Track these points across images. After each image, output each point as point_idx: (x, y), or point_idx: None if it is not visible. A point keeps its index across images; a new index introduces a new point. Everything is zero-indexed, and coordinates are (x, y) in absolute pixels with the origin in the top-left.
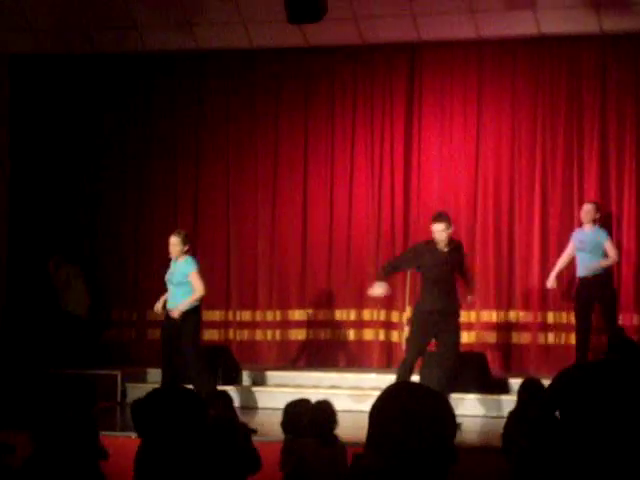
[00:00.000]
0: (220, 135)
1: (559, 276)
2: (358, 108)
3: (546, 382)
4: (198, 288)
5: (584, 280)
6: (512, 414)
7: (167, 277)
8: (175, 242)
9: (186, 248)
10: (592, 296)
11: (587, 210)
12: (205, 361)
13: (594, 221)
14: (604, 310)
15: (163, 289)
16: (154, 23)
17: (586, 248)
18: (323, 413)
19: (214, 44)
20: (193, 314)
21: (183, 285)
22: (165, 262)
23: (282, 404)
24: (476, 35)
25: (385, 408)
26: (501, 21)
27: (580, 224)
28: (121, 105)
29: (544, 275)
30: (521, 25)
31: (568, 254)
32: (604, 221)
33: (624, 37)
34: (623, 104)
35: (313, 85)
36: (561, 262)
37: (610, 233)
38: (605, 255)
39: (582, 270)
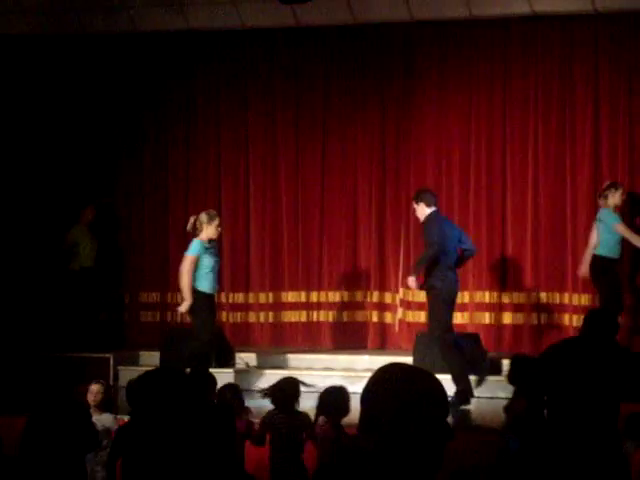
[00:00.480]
0: (211, 115)
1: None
2: (351, 87)
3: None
4: (183, 270)
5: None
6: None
7: (215, 261)
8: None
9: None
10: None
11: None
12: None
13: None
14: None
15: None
16: (144, 3)
17: (600, 225)
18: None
19: (205, 24)
20: (197, 294)
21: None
22: (153, 244)
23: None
24: (469, 14)
25: (377, 390)
26: (494, 0)
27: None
28: (111, 86)
29: (536, 256)
30: (514, 4)
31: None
32: None
33: (617, 16)
34: (616, 83)
35: (305, 65)
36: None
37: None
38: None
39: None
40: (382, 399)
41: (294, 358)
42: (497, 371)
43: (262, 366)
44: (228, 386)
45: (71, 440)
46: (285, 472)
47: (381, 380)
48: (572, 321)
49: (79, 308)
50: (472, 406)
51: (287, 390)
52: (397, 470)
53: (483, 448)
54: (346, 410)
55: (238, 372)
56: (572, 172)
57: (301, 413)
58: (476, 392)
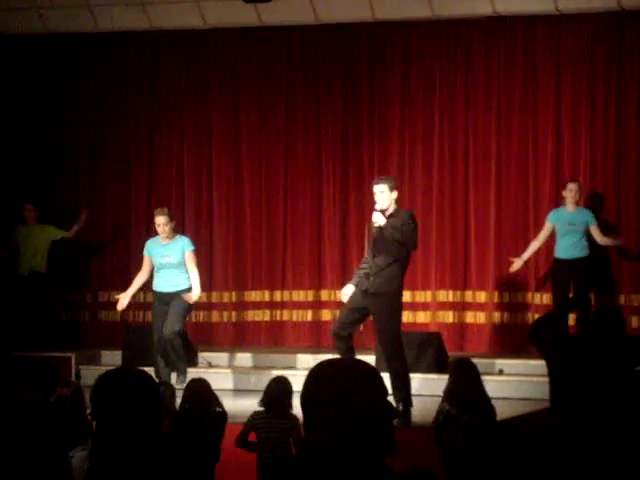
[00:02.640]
0: (174, 115)
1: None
2: (314, 87)
3: (500, 361)
4: (196, 266)
5: (564, 262)
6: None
7: (159, 260)
8: (164, 221)
9: (173, 224)
10: (569, 277)
11: (574, 189)
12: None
13: (577, 202)
14: (577, 290)
15: (125, 277)
16: (106, 2)
17: (578, 229)
18: (279, 388)
19: (167, 23)
20: (186, 292)
21: (183, 265)
22: (117, 244)
23: (238, 386)
24: (432, 15)
25: (312, 389)
26: (456, 1)
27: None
28: (72, 86)
29: (499, 254)
30: (476, 4)
31: (545, 236)
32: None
33: (579, 16)
34: (577, 83)
35: (268, 65)
36: (535, 245)
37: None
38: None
39: (570, 252)
40: (318, 396)
41: (256, 358)
42: None
43: (225, 365)
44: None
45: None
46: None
47: (314, 378)
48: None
49: (30, 308)
50: (433, 406)
51: (277, 391)
52: (348, 461)
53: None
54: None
55: (200, 371)
56: (534, 172)
57: (290, 415)
58: (438, 391)
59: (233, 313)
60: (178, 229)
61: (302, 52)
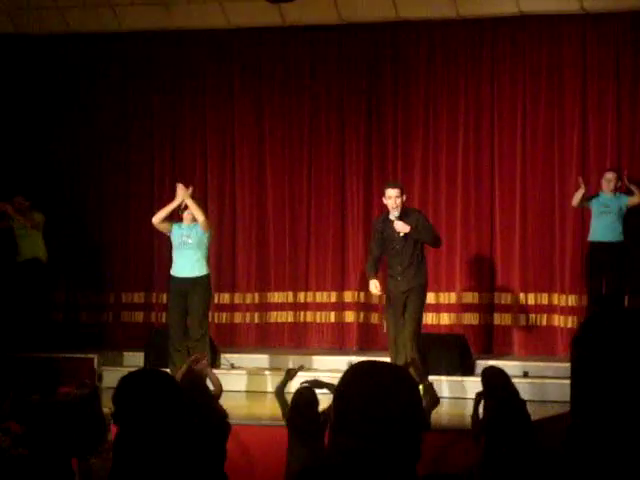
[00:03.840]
0: (198, 115)
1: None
2: (338, 86)
3: (525, 364)
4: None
5: (599, 244)
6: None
7: (178, 240)
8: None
9: None
10: (603, 262)
11: (610, 179)
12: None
13: (615, 190)
14: (610, 283)
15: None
16: (129, 1)
17: (611, 212)
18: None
19: (191, 23)
20: (207, 281)
21: (201, 247)
22: (140, 245)
23: (260, 387)
24: (456, 14)
25: (347, 389)
26: (481, 0)
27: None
28: (97, 85)
29: (525, 255)
30: (502, 4)
31: (580, 202)
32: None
33: (605, 15)
34: (604, 83)
35: (291, 65)
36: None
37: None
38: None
39: (604, 234)
40: (353, 397)
41: (279, 359)
42: None
43: (247, 367)
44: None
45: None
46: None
47: (350, 379)
48: (561, 322)
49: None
50: (458, 408)
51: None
52: (377, 466)
53: (468, 449)
54: None
55: (222, 373)
56: (560, 172)
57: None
58: (461, 394)
59: (256, 314)
60: None
61: (325, 52)
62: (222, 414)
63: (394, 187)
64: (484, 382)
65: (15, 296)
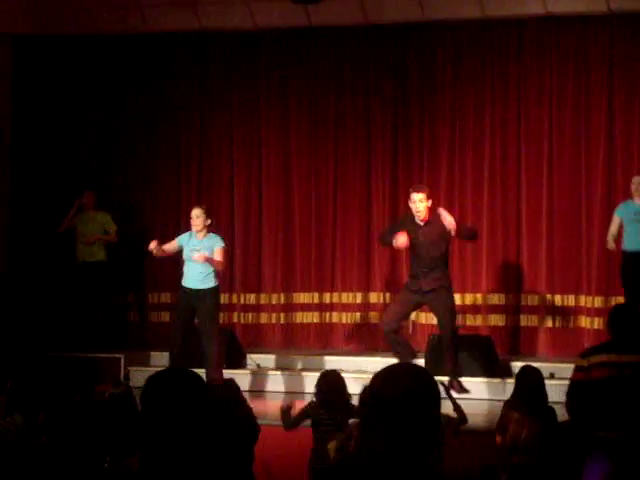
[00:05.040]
0: (224, 116)
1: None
2: (364, 87)
3: (551, 365)
4: (223, 262)
5: (631, 254)
6: (508, 402)
7: (188, 253)
8: (199, 214)
9: (208, 222)
10: (638, 269)
11: (639, 182)
12: (222, 346)
13: None
14: None
15: (174, 277)
16: (156, 3)
17: None
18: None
19: (217, 24)
20: (215, 293)
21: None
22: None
23: (287, 388)
24: (482, 14)
25: (379, 390)
26: (507, 0)
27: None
28: (123, 86)
29: (551, 257)
30: (528, 4)
31: (615, 228)
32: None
33: (631, 16)
34: (631, 84)
35: (317, 66)
36: (611, 237)
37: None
38: None
39: (633, 243)
40: (378, 399)
41: (305, 360)
42: (508, 374)
43: (273, 367)
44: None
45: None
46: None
47: (378, 383)
48: (587, 323)
49: (83, 307)
50: (483, 409)
51: (327, 386)
52: (398, 464)
53: (493, 451)
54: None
55: (248, 373)
56: (587, 173)
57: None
58: (488, 395)
59: (282, 315)
60: (226, 230)
61: (352, 52)
62: (253, 417)
63: (419, 191)
64: (517, 380)
65: (72, 297)
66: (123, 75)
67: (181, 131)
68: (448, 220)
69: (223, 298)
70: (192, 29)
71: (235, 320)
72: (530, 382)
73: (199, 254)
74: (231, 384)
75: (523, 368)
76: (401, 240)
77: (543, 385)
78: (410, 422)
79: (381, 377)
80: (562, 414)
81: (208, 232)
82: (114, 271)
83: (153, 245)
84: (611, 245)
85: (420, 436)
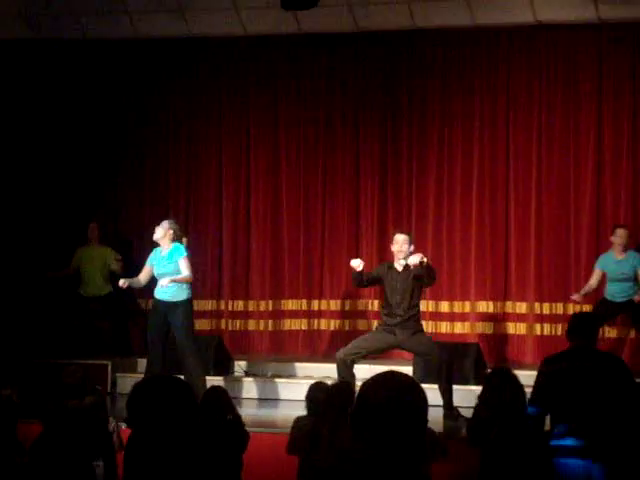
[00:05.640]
0: (213, 124)
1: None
2: (353, 95)
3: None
4: (189, 273)
5: (612, 303)
6: (478, 404)
7: (158, 271)
8: (161, 233)
9: (171, 232)
10: (616, 314)
11: (622, 235)
12: (200, 354)
13: (626, 247)
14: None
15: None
16: (146, 9)
17: (627, 278)
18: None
19: (207, 31)
20: (186, 305)
21: (177, 274)
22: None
23: (274, 395)
24: (472, 23)
25: (371, 395)
26: (497, 9)
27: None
28: (112, 92)
29: (540, 264)
30: (517, 13)
31: (596, 281)
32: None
33: (621, 25)
34: (620, 94)
35: (308, 73)
36: (589, 287)
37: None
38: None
39: (620, 297)
40: (370, 405)
41: (293, 367)
42: None
43: (260, 374)
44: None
45: (82, 446)
46: None
47: (368, 389)
48: None
49: (75, 315)
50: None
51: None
52: (389, 466)
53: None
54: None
55: (236, 380)
56: (576, 181)
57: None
58: (473, 402)
59: (270, 322)
60: (214, 237)
61: (342, 59)
62: (242, 425)
63: (403, 233)
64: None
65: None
66: (110, 81)
67: (169, 138)
68: (413, 258)
69: (211, 304)
70: (181, 35)
71: (223, 327)
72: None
73: (164, 280)
74: (219, 390)
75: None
76: (354, 263)
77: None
78: (397, 429)
79: (370, 384)
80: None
81: (173, 241)
82: (121, 297)
83: (122, 282)
84: (579, 297)
85: (407, 443)
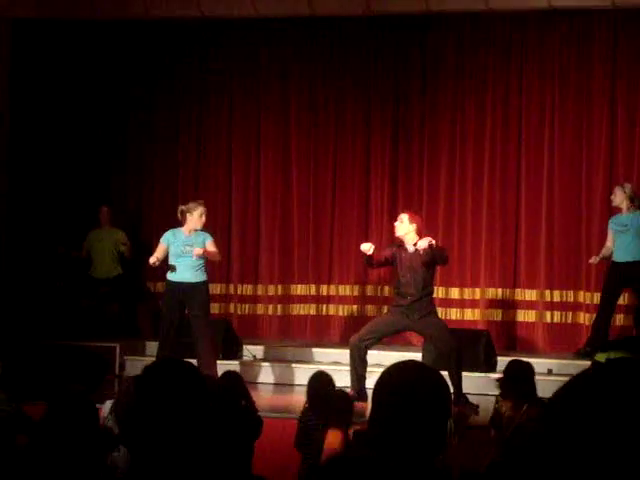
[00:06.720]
0: (224, 105)
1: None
2: (365, 78)
3: (549, 361)
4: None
5: (621, 265)
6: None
7: (179, 249)
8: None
9: None
10: (624, 281)
11: (615, 193)
12: (215, 337)
13: (629, 206)
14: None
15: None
16: None
17: (630, 231)
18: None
19: (218, 12)
20: (206, 286)
21: (201, 257)
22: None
23: (282, 379)
24: (486, 7)
25: (388, 385)
26: None
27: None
28: (123, 72)
29: (550, 252)
30: None
31: (612, 241)
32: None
33: (635, 11)
34: (634, 80)
35: (319, 55)
36: (606, 250)
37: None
38: None
39: (623, 254)
40: (392, 394)
41: (302, 352)
42: None
43: (269, 359)
44: (229, 374)
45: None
46: None
47: (387, 377)
48: (586, 320)
49: (85, 297)
50: (480, 404)
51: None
52: (402, 458)
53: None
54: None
55: (244, 364)
56: (587, 169)
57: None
58: (485, 390)
59: (279, 306)
60: (223, 221)
61: (354, 43)
62: (255, 411)
63: (399, 216)
64: (505, 373)
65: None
66: (121, 62)
67: (179, 118)
68: (422, 243)
69: (220, 288)
70: (193, 16)
71: (232, 311)
72: (517, 372)
73: (198, 249)
74: (234, 375)
75: (511, 361)
76: (364, 247)
77: (531, 377)
78: (417, 420)
79: (390, 373)
80: None
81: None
82: (130, 280)
83: (153, 260)
84: (596, 259)
85: (426, 435)
